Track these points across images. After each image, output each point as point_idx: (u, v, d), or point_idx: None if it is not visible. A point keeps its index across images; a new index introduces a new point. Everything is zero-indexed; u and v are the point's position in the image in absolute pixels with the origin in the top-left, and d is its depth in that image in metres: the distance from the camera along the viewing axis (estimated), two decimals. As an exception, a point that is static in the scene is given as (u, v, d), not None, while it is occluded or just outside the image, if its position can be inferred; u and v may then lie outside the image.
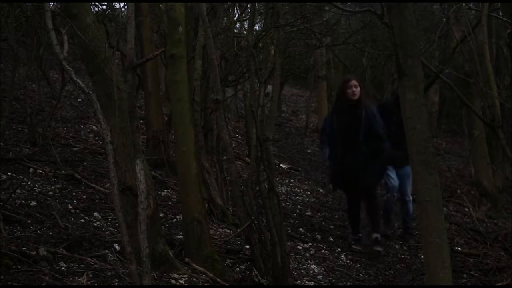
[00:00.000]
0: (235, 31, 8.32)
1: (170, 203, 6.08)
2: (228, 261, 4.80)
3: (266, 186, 4.49)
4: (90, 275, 3.77)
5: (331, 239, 6.24)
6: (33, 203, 5.00)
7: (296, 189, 8.27)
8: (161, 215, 5.36)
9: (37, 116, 7.21)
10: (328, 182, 6.73)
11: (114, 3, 9.70)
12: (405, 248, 6.30)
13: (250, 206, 4.53)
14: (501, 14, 7.65)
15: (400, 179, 6.40)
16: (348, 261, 5.62)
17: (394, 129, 5.85)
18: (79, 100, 9.61)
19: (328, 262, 5.44)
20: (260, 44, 7.18)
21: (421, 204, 2.88)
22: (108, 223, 5.03)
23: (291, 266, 4.73)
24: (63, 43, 3.62)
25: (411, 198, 6.45)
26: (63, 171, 6.04)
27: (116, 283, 3.75)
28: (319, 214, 7.22)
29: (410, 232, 6.52)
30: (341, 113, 5.96)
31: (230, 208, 6.13)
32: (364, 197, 6.07)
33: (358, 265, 5.56)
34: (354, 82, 5.89)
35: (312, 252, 5.66)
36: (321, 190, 8.56)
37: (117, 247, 4.31)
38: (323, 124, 6.30)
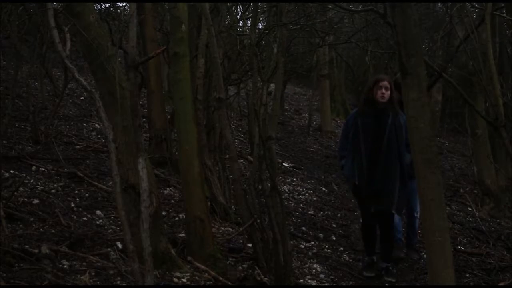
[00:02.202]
0: (238, 29, 8.31)
1: (172, 201, 6.08)
2: (231, 259, 4.80)
3: (269, 184, 4.48)
4: (93, 273, 3.77)
5: (334, 238, 6.23)
6: (36, 201, 5.01)
7: (299, 187, 8.26)
8: (164, 213, 5.36)
9: (39, 114, 7.23)
10: (351, 191, 5.67)
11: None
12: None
13: (252, 204, 4.53)
14: (505, 12, 7.64)
15: (408, 193, 5.47)
16: (351, 260, 5.62)
17: None
18: (82, 98, 9.62)
19: (330, 261, 5.43)
20: (263, 42, 7.19)
21: (424, 203, 2.87)
22: (111, 221, 5.03)
23: (293, 264, 4.73)
24: (66, 41, 3.62)
25: (418, 215, 5.76)
26: (66, 169, 6.04)
27: (118, 282, 3.75)
28: (321, 213, 7.21)
29: (414, 248, 5.95)
30: (366, 116, 5.11)
31: (233, 206, 6.13)
32: (380, 222, 5.22)
33: (361, 264, 5.55)
34: (386, 83, 5.06)
35: (314, 250, 5.66)
36: (323, 189, 8.55)
37: (120, 245, 4.32)
38: (345, 127, 5.38)
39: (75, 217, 4.94)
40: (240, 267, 4.67)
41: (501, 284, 5.24)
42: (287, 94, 16.06)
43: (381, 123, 5.05)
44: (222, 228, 5.58)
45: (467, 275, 5.46)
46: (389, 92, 5.05)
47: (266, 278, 4.39)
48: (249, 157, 8.47)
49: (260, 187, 4.60)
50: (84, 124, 8.30)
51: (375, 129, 5.06)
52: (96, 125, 8.28)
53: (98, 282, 3.68)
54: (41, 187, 5.45)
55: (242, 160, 8.59)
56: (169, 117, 7.42)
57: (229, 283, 4.18)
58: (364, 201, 5.20)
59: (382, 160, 5.03)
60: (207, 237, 4.46)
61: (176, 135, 5.42)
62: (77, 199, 5.40)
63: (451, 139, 15.27)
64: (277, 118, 6.31)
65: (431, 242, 2.86)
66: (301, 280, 4.78)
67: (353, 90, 19.45)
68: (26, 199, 4.97)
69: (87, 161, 6.66)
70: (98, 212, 5.18)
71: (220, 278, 4.16)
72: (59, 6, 5.61)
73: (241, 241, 5.28)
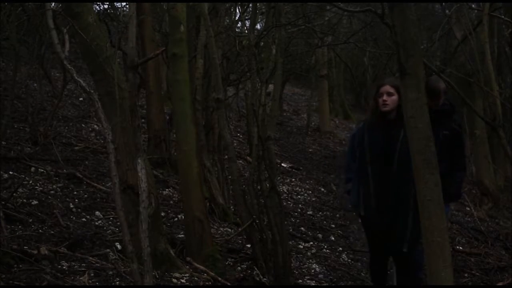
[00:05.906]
0: (237, 30, 8.31)
1: (171, 202, 6.08)
2: (230, 260, 4.80)
3: (268, 185, 4.48)
4: (92, 274, 3.77)
5: (333, 238, 6.23)
6: (35, 202, 5.01)
7: (298, 188, 8.27)
8: (163, 214, 5.36)
9: (38, 115, 7.22)
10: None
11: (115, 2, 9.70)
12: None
13: (251, 205, 4.53)
14: (502, 13, 7.65)
15: None
16: (350, 260, 5.62)
17: None
18: (81, 99, 9.62)
19: (329, 261, 5.44)
20: (262, 43, 7.18)
21: (423, 203, 2.88)
22: (110, 222, 5.03)
23: (292, 265, 4.73)
24: (65, 42, 3.62)
25: None
26: (65, 170, 6.04)
27: (117, 282, 3.75)
28: (320, 213, 7.21)
29: None
30: (373, 130, 4.07)
31: (232, 207, 6.13)
32: (396, 260, 4.27)
33: (359, 264, 5.56)
34: (387, 87, 3.98)
35: (313, 251, 5.66)
36: (322, 189, 8.56)
37: (119, 246, 4.32)
38: (350, 144, 4.39)
39: (74, 218, 4.94)
40: (239, 268, 4.68)
41: (500, 284, 5.25)
42: (285, 94, 16.08)
43: (391, 137, 3.96)
44: (221, 229, 5.59)
45: (466, 275, 5.46)
46: (394, 97, 3.96)
47: (265, 279, 4.39)
48: (248, 157, 8.48)
49: (259, 187, 4.61)
50: (83, 125, 8.30)
51: (384, 145, 3.99)
52: (95, 126, 8.28)
53: (97, 283, 3.68)
54: (40, 188, 5.45)
55: (241, 161, 8.60)
56: (168, 117, 7.42)
57: (228, 284, 4.18)
58: (372, 235, 4.26)
59: (394, 184, 3.94)
60: (206, 237, 4.46)
61: (175, 135, 5.42)
62: (76, 200, 5.40)
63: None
64: (276, 119, 6.31)
65: (429, 242, 2.86)
66: (300, 281, 4.78)
67: (352, 91, 19.47)
68: (25, 200, 4.97)
69: (86, 162, 6.66)
70: (97, 213, 5.18)
71: (219, 279, 4.17)
72: (58, 7, 5.61)
73: (240, 241, 5.29)
